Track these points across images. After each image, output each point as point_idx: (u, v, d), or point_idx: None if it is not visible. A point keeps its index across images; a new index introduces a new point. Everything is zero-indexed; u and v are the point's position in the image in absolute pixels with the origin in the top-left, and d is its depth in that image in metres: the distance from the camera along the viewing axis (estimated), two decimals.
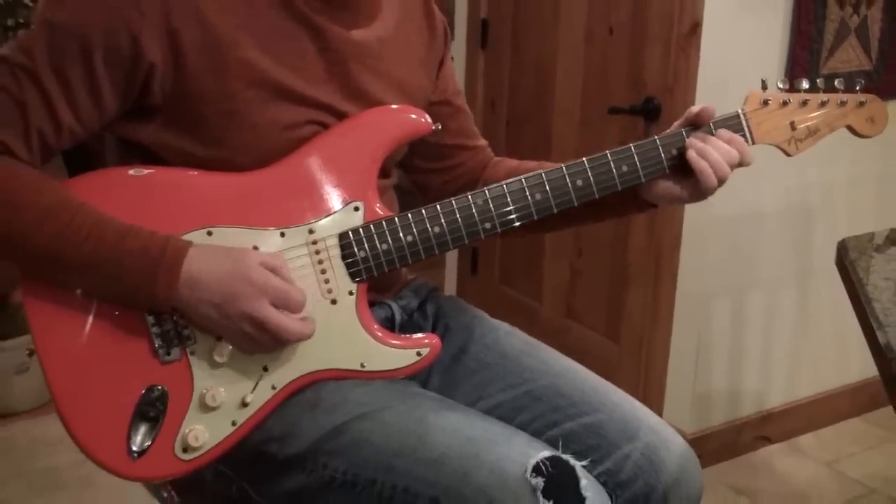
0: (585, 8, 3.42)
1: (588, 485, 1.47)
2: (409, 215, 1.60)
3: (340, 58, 1.63)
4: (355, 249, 1.58)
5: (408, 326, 1.81)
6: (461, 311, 1.87)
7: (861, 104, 1.74)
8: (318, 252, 1.57)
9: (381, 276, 1.61)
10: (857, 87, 1.74)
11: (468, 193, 1.61)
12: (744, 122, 1.68)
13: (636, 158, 1.64)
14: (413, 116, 1.65)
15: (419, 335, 1.64)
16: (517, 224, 1.63)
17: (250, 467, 1.62)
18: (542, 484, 1.43)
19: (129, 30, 1.46)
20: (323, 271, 1.57)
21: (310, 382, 1.58)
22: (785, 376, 3.58)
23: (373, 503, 1.52)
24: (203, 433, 1.53)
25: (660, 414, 1.71)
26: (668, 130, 1.69)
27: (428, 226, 1.59)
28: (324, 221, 1.58)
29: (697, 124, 1.69)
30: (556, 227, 1.86)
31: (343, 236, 1.58)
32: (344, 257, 1.58)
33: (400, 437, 1.51)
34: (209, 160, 1.56)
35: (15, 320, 3.50)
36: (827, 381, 3.72)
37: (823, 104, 1.72)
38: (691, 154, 1.64)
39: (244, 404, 1.55)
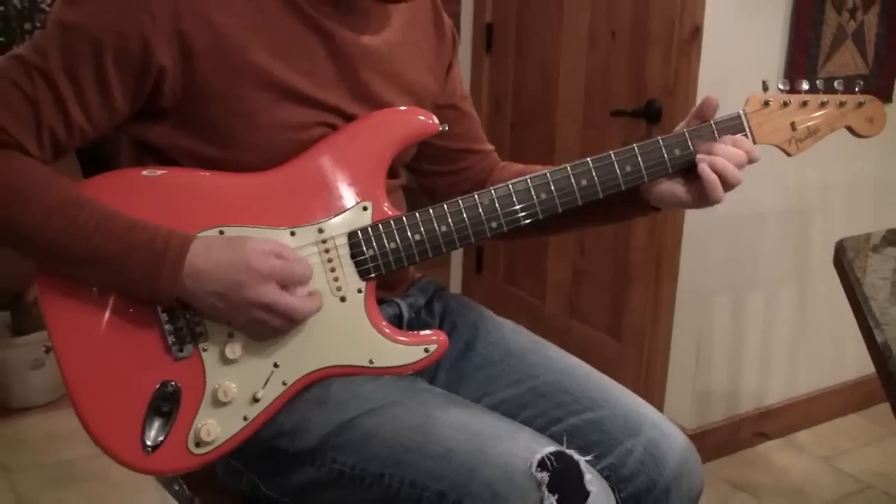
0: (588, 12, 3.42)
1: (592, 479, 1.47)
2: (417, 214, 1.60)
3: (349, 61, 1.62)
4: (364, 248, 1.58)
5: (415, 324, 1.81)
6: (467, 309, 1.87)
7: (860, 105, 1.74)
8: (327, 251, 1.57)
9: (389, 275, 1.61)
10: (856, 89, 1.74)
11: (475, 193, 1.61)
12: (745, 123, 1.68)
13: (639, 159, 1.64)
14: (421, 118, 1.65)
15: (427, 332, 1.64)
16: (523, 223, 1.62)
17: (261, 461, 1.62)
18: (547, 478, 1.42)
19: (139, 33, 1.46)
20: (332, 269, 1.57)
21: (319, 378, 1.58)
22: (783, 374, 3.58)
23: (380, 497, 1.52)
24: (215, 428, 1.53)
25: (661, 410, 1.71)
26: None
27: (435, 225, 1.59)
28: (333, 220, 1.58)
29: (702, 117, 1.68)
30: (563, 229, 1.86)
31: (352, 235, 1.58)
32: (353, 256, 1.58)
33: (407, 433, 1.51)
34: (220, 161, 1.56)
35: (31, 317, 3.50)
36: (824, 378, 3.72)
37: (823, 105, 1.72)
38: (703, 168, 1.62)
39: (255, 400, 1.55)
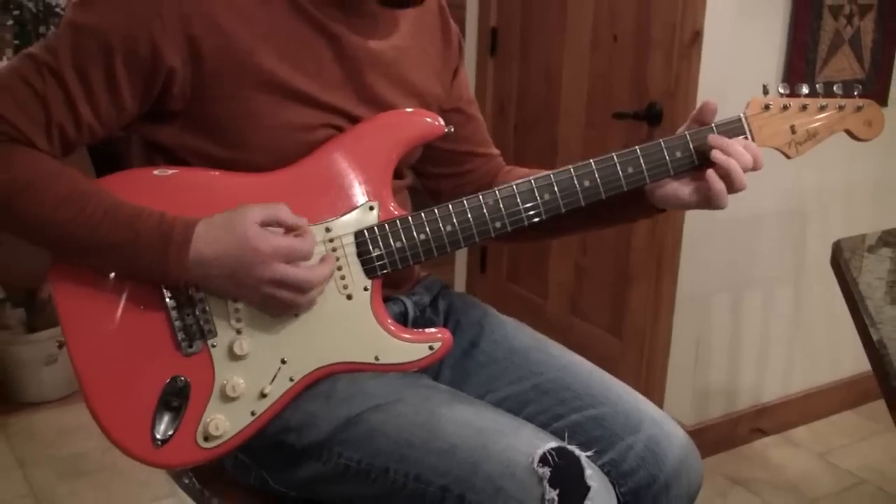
0: (591, 17, 3.41)
1: (593, 474, 1.47)
2: (423, 214, 1.59)
3: (356, 64, 1.62)
4: (370, 247, 1.58)
5: (420, 321, 1.81)
6: (472, 308, 1.86)
7: (859, 108, 1.73)
8: (334, 249, 1.57)
9: (395, 273, 1.61)
10: (855, 93, 1.73)
11: (479, 194, 1.60)
12: (745, 126, 1.67)
13: (641, 160, 1.63)
14: (427, 119, 1.65)
15: (431, 330, 1.63)
16: (527, 223, 1.62)
17: (268, 456, 1.62)
18: (549, 473, 1.42)
19: (149, 36, 1.46)
20: (339, 268, 1.57)
21: (326, 374, 1.58)
22: (780, 371, 3.58)
23: (385, 491, 1.52)
24: (224, 422, 1.53)
25: (660, 407, 1.71)
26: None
27: (440, 224, 1.59)
28: (340, 220, 1.57)
29: (701, 121, 1.67)
30: (569, 231, 1.86)
31: (359, 234, 1.58)
32: (359, 254, 1.58)
33: (412, 428, 1.51)
34: (229, 161, 1.56)
35: (44, 314, 3.51)
36: (820, 376, 3.71)
37: (822, 109, 1.71)
38: (711, 174, 1.60)
39: (263, 395, 1.55)
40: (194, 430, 1.53)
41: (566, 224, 1.72)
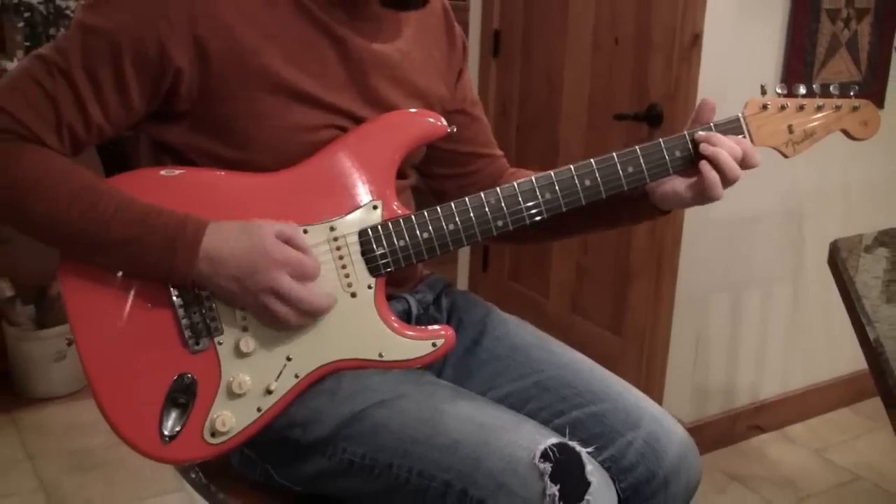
0: (592, 20, 3.41)
1: (593, 470, 1.47)
2: (426, 213, 1.59)
3: (360, 66, 1.62)
4: (374, 246, 1.57)
5: (423, 319, 1.81)
6: (474, 306, 1.86)
7: (855, 109, 1.73)
8: (338, 248, 1.56)
9: (398, 271, 1.60)
10: (851, 93, 1.73)
11: (481, 193, 1.60)
12: (744, 126, 1.67)
13: (641, 160, 1.63)
14: (430, 120, 1.64)
15: (434, 327, 1.63)
16: (528, 222, 1.61)
17: (274, 451, 1.62)
18: (550, 469, 1.42)
19: (157, 36, 1.47)
20: (343, 266, 1.57)
21: (331, 371, 1.58)
22: (777, 369, 3.58)
23: (389, 486, 1.52)
24: (230, 419, 1.53)
25: (660, 404, 1.71)
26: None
27: (443, 223, 1.59)
28: (345, 219, 1.57)
29: (701, 120, 1.68)
30: (575, 233, 1.86)
31: (363, 233, 1.57)
32: (363, 253, 1.57)
33: (416, 424, 1.51)
34: (234, 161, 1.56)
35: (53, 311, 3.51)
36: (817, 373, 3.71)
37: (819, 109, 1.71)
38: (704, 164, 1.61)
39: (269, 392, 1.54)
40: (201, 427, 1.53)
41: (572, 225, 1.73)
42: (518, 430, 1.50)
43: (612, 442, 1.64)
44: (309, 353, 1.56)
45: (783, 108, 1.70)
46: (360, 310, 1.58)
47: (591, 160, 1.62)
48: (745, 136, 1.67)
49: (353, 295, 1.57)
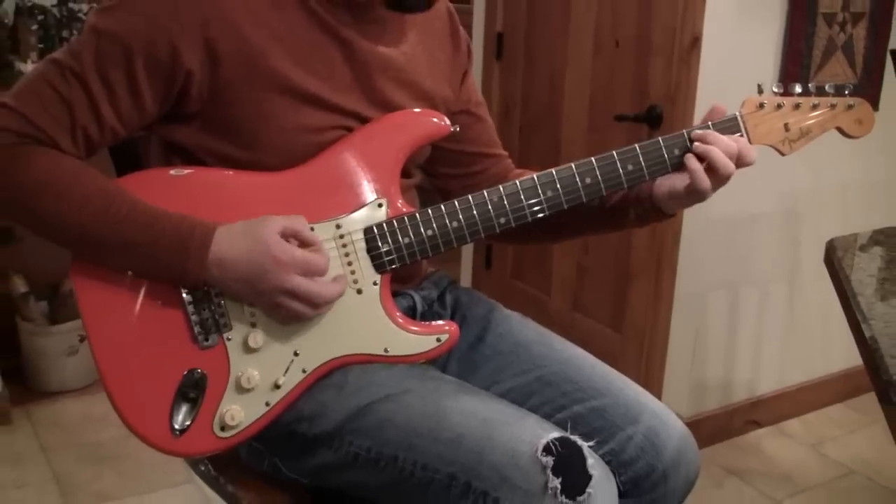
0: (594, 22, 3.40)
1: (594, 463, 1.46)
2: (430, 211, 1.59)
3: (366, 68, 1.62)
4: (379, 243, 1.57)
5: (428, 315, 1.80)
6: (478, 302, 1.86)
7: (850, 107, 1.73)
8: (344, 245, 1.56)
9: (403, 268, 1.61)
10: (846, 92, 1.73)
11: (484, 191, 1.60)
12: (741, 124, 1.67)
13: (641, 158, 1.63)
14: (434, 119, 1.64)
15: (439, 322, 1.63)
16: (530, 219, 1.61)
17: (281, 444, 1.62)
18: (552, 462, 1.42)
19: (168, 39, 1.47)
20: (349, 263, 1.57)
21: (337, 366, 1.58)
22: (774, 366, 3.58)
23: (394, 479, 1.51)
24: (239, 413, 1.53)
25: (659, 399, 1.71)
26: None
27: (447, 221, 1.59)
28: (350, 217, 1.57)
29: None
30: (582, 233, 1.85)
31: (368, 231, 1.57)
32: (369, 250, 1.58)
33: (420, 419, 1.51)
34: (243, 161, 1.56)
35: (66, 307, 3.51)
36: (813, 370, 3.71)
37: (815, 107, 1.72)
38: (688, 156, 1.62)
39: (276, 386, 1.55)
40: (211, 421, 1.53)
41: (579, 226, 1.77)
42: (521, 425, 1.49)
43: (612, 436, 1.64)
44: (316, 348, 1.56)
45: (779, 106, 1.70)
46: (366, 306, 1.58)
47: (592, 158, 1.62)
48: (742, 135, 1.67)
49: (359, 291, 1.57)
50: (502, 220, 1.61)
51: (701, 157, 1.62)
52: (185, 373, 1.52)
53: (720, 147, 1.61)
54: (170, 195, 1.52)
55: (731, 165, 1.61)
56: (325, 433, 1.56)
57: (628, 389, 1.70)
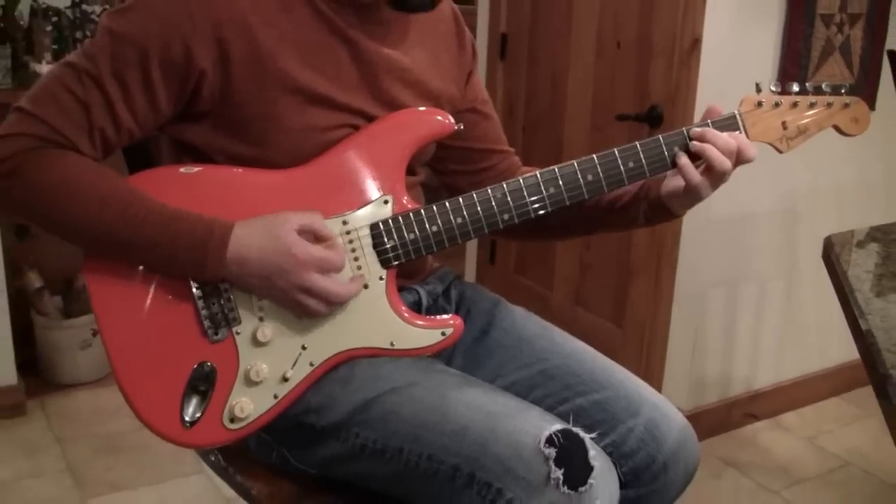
0: (596, 24, 3.40)
1: (596, 455, 1.46)
2: (434, 207, 1.59)
3: (373, 68, 1.62)
4: (385, 239, 1.57)
5: (433, 309, 1.80)
6: (482, 297, 1.86)
7: (846, 106, 1.73)
8: (351, 241, 1.56)
9: (408, 264, 1.60)
10: (843, 91, 1.73)
11: (488, 188, 1.60)
12: (740, 122, 1.67)
13: (641, 155, 1.63)
14: (438, 118, 1.64)
15: (444, 316, 1.63)
16: (533, 215, 1.61)
17: (289, 436, 1.62)
18: (555, 454, 1.42)
19: (182, 39, 1.47)
20: (356, 258, 1.56)
21: (344, 359, 1.58)
22: (772, 360, 3.58)
23: (400, 470, 1.51)
24: (248, 405, 1.53)
25: (659, 393, 1.71)
26: None
27: (451, 217, 1.58)
28: (357, 213, 1.57)
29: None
30: (593, 231, 1.85)
31: (374, 227, 1.57)
32: (375, 246, 1.57)
33: (426, 411, 1.51)
34: (252, 159, 1.56)
35: (79, 301, 3.52)
36: (809, 364, 3.71)
37: (812, 106, 1.71)
38: (694, 143, 1.63)
39: (285, 379, 1.54)
40: (220, 413, 1.53)
41: (590, 224, 1.79)
42: (524, 417, 1.49)
43: (613, 428, 1.63)
44: (323, 341, 1.56)
45: (777, 105, 1.70)
46: (372, 300, 1.58)
47: (594, 155, 1.62)
48: (741, 132, 1.66)
49: (366, 286, 1.57)
50: (506, 217, 1.60)
51: (698, 154, 1.62)
52: (196, 366, 1.52)
53: (718, 144, 1.61)
54: (180, 192, 1.52)
55: (726, 161, 1.61)
56: (332, 425, 1.56)
57: (629, 382, 1.70)
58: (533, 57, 3.79)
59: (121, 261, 1.51)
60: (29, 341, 3.58)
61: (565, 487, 1.41)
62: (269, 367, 1.54)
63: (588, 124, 3.51)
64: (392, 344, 1.59)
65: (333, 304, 1.53)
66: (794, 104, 1.71)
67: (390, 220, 1.57)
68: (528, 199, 1.60)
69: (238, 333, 1.53)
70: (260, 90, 1.52)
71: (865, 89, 3.29)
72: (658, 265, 3.26)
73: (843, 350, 3.64)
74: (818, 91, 1.73)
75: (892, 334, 1.56)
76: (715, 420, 3.43)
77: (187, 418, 1.52)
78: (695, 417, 3.16)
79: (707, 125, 1.65)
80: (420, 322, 1.61)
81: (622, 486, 1.59)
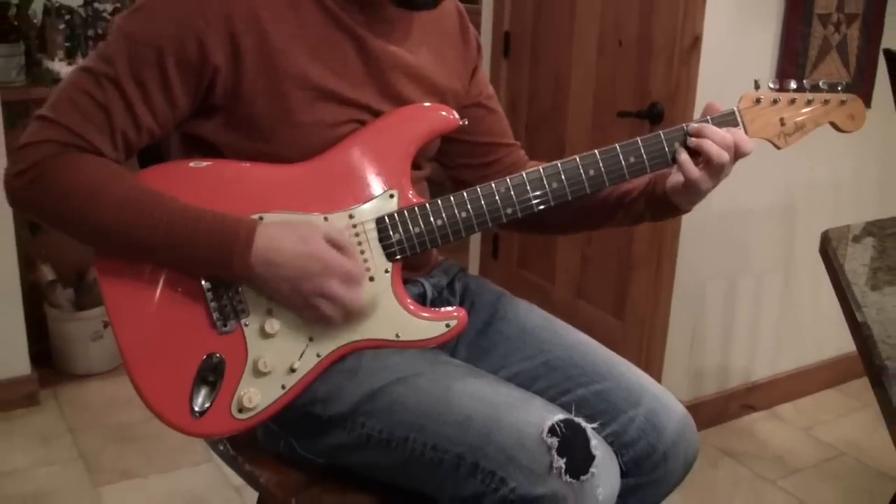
0: (598, 23, 3.39)
1: (597, 444, 1.47)
2: (439, 201, 1.59)
3: (379, 64, 1.61)
4: (391, 232, 1.57)
5: (438, 302, 1.79)
6: (486, 290, 1.85)
7: (843, 103, 1.73)
8: (357, 234, 1.56)
9: (413, 257, 1.60)
10: (840, 88, 1.72)
11: (492, 182, 1.60)
12: (739, 118, 1.67)
13: (642, 151, 1.63)
14: (443, 113, 1.64)
15: (448, 308, 1.63)
16: (536, 210, 1.61)
17: (297, 426, 1.61)
18: (557, 443, 1.42)
19: (197, 36, 1.46)
20: (362, 252, 1.56)
21: (350, 351, 1.58)
22: (769, 352, 3.57)
23: (405, 459, 1.51)
24: (256, 395, 1.53)
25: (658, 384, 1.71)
26: None
27: (456, 211, 1.58)
28: (363, 207, 1.57)
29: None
30: (601, 225, 1.84)
31: (380, 220, 1.57)
32: (380, 239, 1.57)
33: (430, 401, 1.51)
34: (260, 154, 1.55)
35: (91, 294, 3.52)
36: (806, 356, 3.71)
37: (809, 102, 1.71)
38: (692, 140, 1.63)
39: (292, 370, 1.54)
40: (229, 403, 1.53)
41: (602, 219, 1.79)
42: (527, 407, 1.49)
43: (615, 418, 1.63)
44: (330, 333, 1.56)
45: (775, 101, 1.70)
46: (378, 293, 1.57)
47: (596, 151, 1.62)
48: (739, 128, 1.66)
49: (371, 279, 1.57)
50: (509, 211, 1.60)
51: (696, 150, 1.62)
52: (205, 357, 1.52)
53: (715, 139, 1.61)
54: (190, 186, 1.52)
55: (724, 155, 1.61)
56: (338, 415, 1.56)
57: (630, 373, 1.70)
58: (536, 55, 3.79)
59: (145, 262, 1.51)
60: (42, 333, 3.58)
61: (567, 476, 1.41)
62: (277, 359, 1.53)
63: (590, 121, 3.50)
64: (397, 335, 1.59)
65: (348, 314, 1.52)
66: (792, 101, 1.71)
67: (396, 214, 1.57)
68: (531, 194, 1.60)
69: (246, 325, 1.53)
70: (270, 86, 1.51)
71: (861, 87, 3.29)
72: (658, 259, 3.25)
73: (839, 342, 3.63)
74: (815, 88, 1.72)
75: (887, 326, 1.57)
76: (713, 411, 3.43)
77: (196, 408, 1.52)
78: (693, 408, 3.13)
79: (706, 121, 1.65)
80: (425, 314, 1.60)
81: (623, 474, 1.60)
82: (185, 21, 1.46)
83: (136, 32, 1.47)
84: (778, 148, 1.72)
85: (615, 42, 3.33)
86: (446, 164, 1.86)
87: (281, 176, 1.56)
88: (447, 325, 1.60)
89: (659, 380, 3.29)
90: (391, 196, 1.58)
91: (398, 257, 1.58)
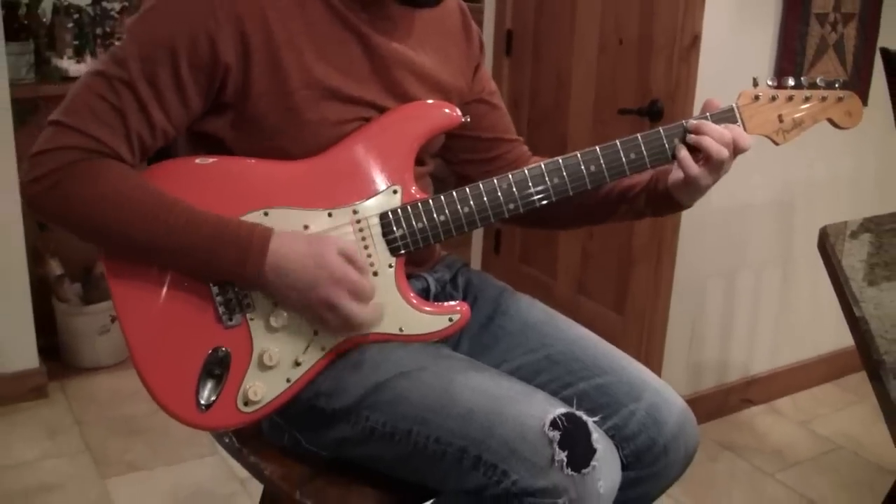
0: (599, 22, 3.39)
1: (599, 438, 1.46)
2: (442, 197, 1.59)
3: (383, 62, 1.61)
4: (394, 227, 1.57)
5: (441, 296, 1.79)
6: (488, 284, 1.85)
7: (840, 100, 1.73)
8: (361, 230, 1.55)
9: (417, 252, 1.60)
10: (837, 85, 1.72)
11: (494, 178, 1.60)
12: (737, 115, 1.67)
13: (642, 147, 1.63)
14: (446, 110, 1.64)
15: (451, 303, 1.63)
16: (537, 205, 1.61)
17: (301, 419, 1.61)
18: (559, 437, 1.42)
19: (208, 36, 1.46)
20: (366, 247, 1.56)
21: (355, 344, 1.57)
22: (767, 347, 3.57)
23: (408, 452, 1.51)
24: (261, 389, 1.53)
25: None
26: None
27: (458, 206, 1.58)
28: (366, 203, 1.56)
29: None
30: (604, 220, 1.84)
31: (383, 216, 1.57)
32: (384, 234, 1.57)
33: (433, 394, 1.50)
34: (267, 151, 1.55)
35: (99, 288, 3.52)
36: (804, 351, 3.71)
37: (807, 100, 1.71)
38: (691, 136, 1.63)
39: (297, 364, 1.54)
40: (235, 396, 1.53)
41: (605, 214, 1.79)
42: (529, 401, 1.49)
43: (616, 412, 1.63)
44: None
45: (773, 98, 1.69)
46: (382, 287, 1.57)
47: (596, 147, 1.62)
48: (738, 125, 1.66)
49: (375, 273, 1.57)
50: (511, 206, 1.60)
51: (696, 146, 1.62)
52: (210, 351, 1.51)
53: (713, 135, 1.61)
54: (196, 183, 1.52)
55: (723, 151, 1.61)
56: (343, 408, 1.55)
57: (631, 368, 1.70)
58: (538, 53, 3.78)
59: (163, 267, 1.50)
60: (50, 327, 3.59)
61: (569, 469, 1.41)
62: (282, 352, 1.53)
63: (591, 119, 3.50)
64: (401, 329, 1.58)
65: (352, 328, 1.52)
66: (790, 98, 1.70)
67: (399, 210, 1.57)
68: (532, 189, 1.60)
69: (252, 319, 1.52)
70: (277, 84, 1.51)
71: (858, 85, 3.29)
72: (658, 255, 3.25)
73: (837, 337, 3.63)
74: (813, 86, 1.72)
75: (884, 321, 1.57)
76: (712, 405, 3.43)
77: (202, 401, 1.52)
78: (692, 402, 3.12)
79: (706, 118, 1.65)
80: (428, 308, 1.60)
81: (623, 467, 1.60)
82: (196, 21, 1.46)
83: (148, 34, 1.46)
84: (776, 144, 1.72)
85: (616, 40, 3.33)
86: (450, 160, 1.86)
87: (286, 172, 1.55)
88: (450, 320, 1.60)
89: (659, 374, 3.29)
90: (395, 192, 1.58)
91: (402, 252, 1.58)
